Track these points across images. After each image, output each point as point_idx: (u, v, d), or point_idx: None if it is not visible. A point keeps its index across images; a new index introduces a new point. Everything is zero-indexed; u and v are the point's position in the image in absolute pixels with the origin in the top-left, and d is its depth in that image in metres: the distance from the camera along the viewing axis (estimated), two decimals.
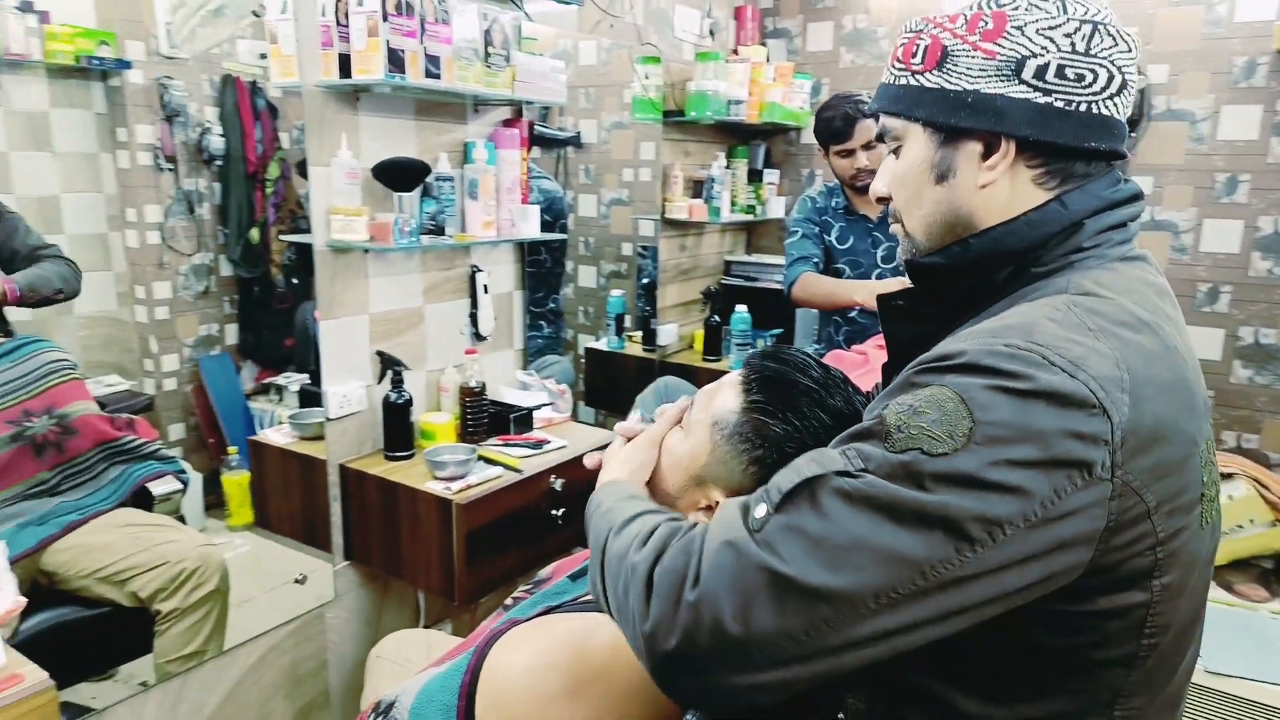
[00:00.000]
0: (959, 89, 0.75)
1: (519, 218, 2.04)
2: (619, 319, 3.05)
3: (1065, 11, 0.73)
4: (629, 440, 0.95)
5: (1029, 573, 0.62)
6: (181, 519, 1.88)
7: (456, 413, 2.02)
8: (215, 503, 2.04)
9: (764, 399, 0.85)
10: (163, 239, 1.95)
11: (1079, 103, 0.73)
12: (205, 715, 1.74)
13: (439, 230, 1.88)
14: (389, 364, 1.86)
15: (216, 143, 1.99)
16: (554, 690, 0.81)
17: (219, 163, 2.01)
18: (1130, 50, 0.74)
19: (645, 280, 3.00)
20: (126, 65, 1.80)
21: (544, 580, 1.36)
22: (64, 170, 1.77)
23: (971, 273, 0.78)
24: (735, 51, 3.07)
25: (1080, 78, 0.72)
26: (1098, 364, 0.63)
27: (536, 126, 2.96)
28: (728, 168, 3.03)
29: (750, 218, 3.14)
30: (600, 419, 3.20)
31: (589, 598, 0.99)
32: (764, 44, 3.17)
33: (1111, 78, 0.73)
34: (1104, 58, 0.73)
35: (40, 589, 1.63)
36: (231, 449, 2.02)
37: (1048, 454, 0.60)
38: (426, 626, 2.13)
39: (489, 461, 1.89)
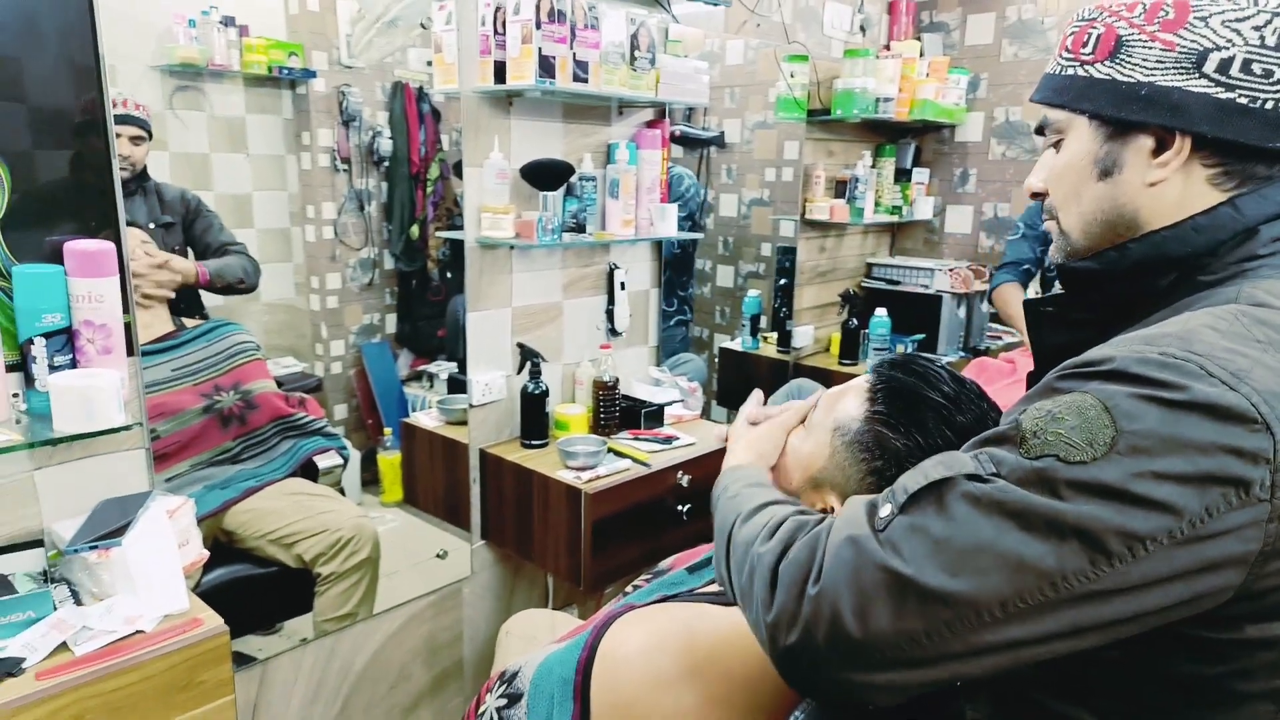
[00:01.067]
0: (1132, 80, 0.71)
1: (657, 217, 2.08)
2: (754, 319, 3.04)
3: (1256, 2, 0.68)
4: (754, 424, 0.95)
5: (1172, 593, 0.58)
6: (341, 491, 2.05)
7: (590, 405, 2.09)
8: (371, 479, 2.20)
9: (888, 410, 0.83)
10: (335, 234, 2.11)
11: (1265, 100, 0.67)
12: (353, 672, 1.90)
13: (580, 228, 1.94)
14: (528, 355, 1.95)
15: (385, 145, 2.13)
16: (664, 673, 0.84)
17: (386, 164, 2.15)
18: None
19: (783, 281, 2.97)
20: (312, 74, 1.96)
21: (664, 571, 1.39)
22: (256, 170, 1.94)
23: (1129, 279, 0.73)
24: (887, 47, 2.98)
25: (1269, 74, 0.67)
26: (1263, 377, 0.58)
27: (681, 126, 3.00)
28: (873, 167, 2.95)
29: (895, 219, 3.05)
30: (732, 418, 3.20)
31: (705, 589, 1.01)
32: (919, 38, 3.06)
33: None
34: None
35: (221, 546, 1.82)
36: (387, 430, 2.17)
37: (1199, 469, 0.56)
38: (566, 606, 2.22)
39: (618, 454, 1.94)
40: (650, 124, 2.13)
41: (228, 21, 1.79)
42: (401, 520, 2.15)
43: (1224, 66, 0.68)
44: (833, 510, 0.85)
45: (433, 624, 2.01)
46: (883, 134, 3.12)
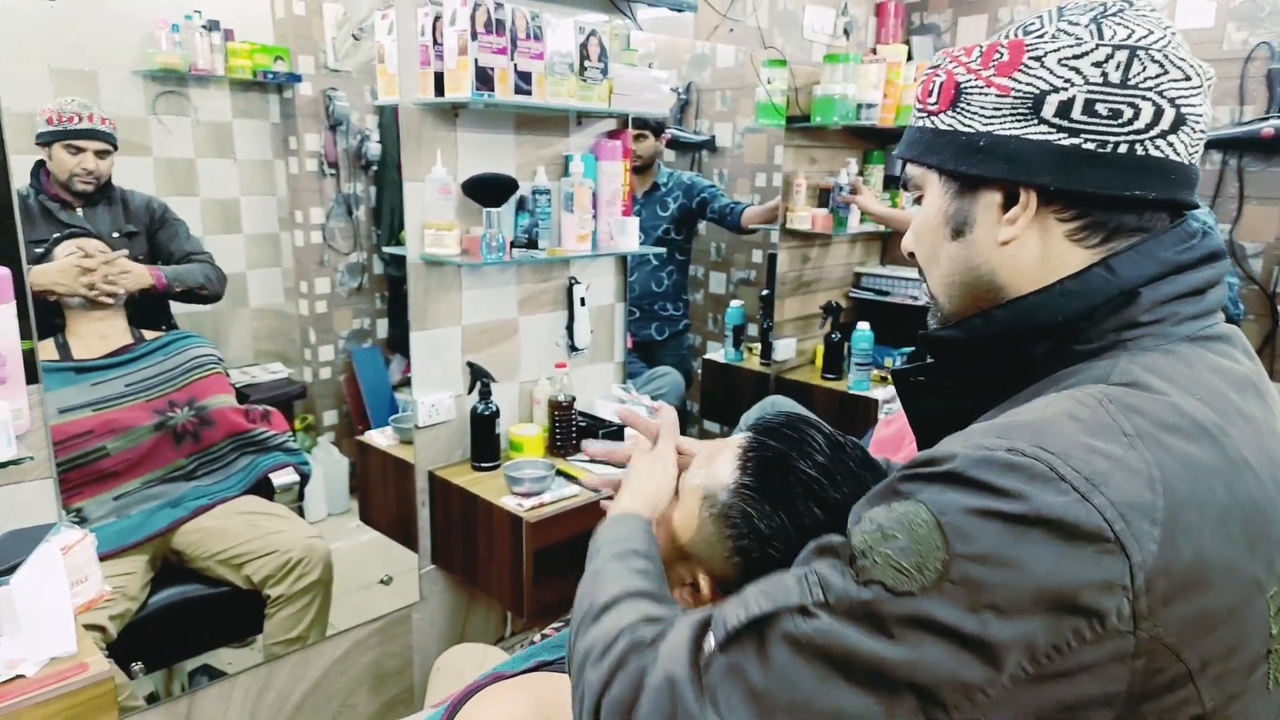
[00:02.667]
0: (972, 130, 0.64)
1: (618, 230, 2.01)
2: (738, 330, 2.96)
3: (1099, 36, 0.60)
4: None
5: None
6: (300, 510, 2.01)
7: (546, 425, 2.02)
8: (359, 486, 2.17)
9: (755, 483, 0.75)
10: (324, 239, 2.10)
11: (1116, 143, 0.60)
12: (291, 704, 1.85)
13: (533, 244, 1.88)
14: (478, 375, 1.89)
15: (374, 149, 2.11)
16: None
17: (375, 168, 2.13)
18: (1190, 78, 0.59)
19: (764, 292, 2.89)
20: (298, 79, 1.95)
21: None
22: (243, 175, 1.94)
23: (997, 348, 0.65)
24: (873, 51, 2.88)
25: (1116, 114, 0.59)
26: (1123, 483, 0.50)
27: (671, 130, 2.93)
28: (861, 174, 2.86)
29: (883, 228, 2.95)
30: (727, 432, 3.13)
31: None
32: (907, 42, 2.96)
33: (1160, 112, 0.59)
34: (1147, 89, 0.59)
35: (170, 566, 1.79)
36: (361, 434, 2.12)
37: (1043, 599, 0.49)
38: (510, 635, 2.16)
39: (569, 478, 1.87)
40: (611, 134, 2.06)
41: (212, 26, 1.79)
42: (376, 534, 2.12)
43: (1064, 109, 0.61)
44: (698, 587, 0.77)
45: (379, 650, 1.96)
46: (871, 140, 3.02)
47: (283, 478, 1.99)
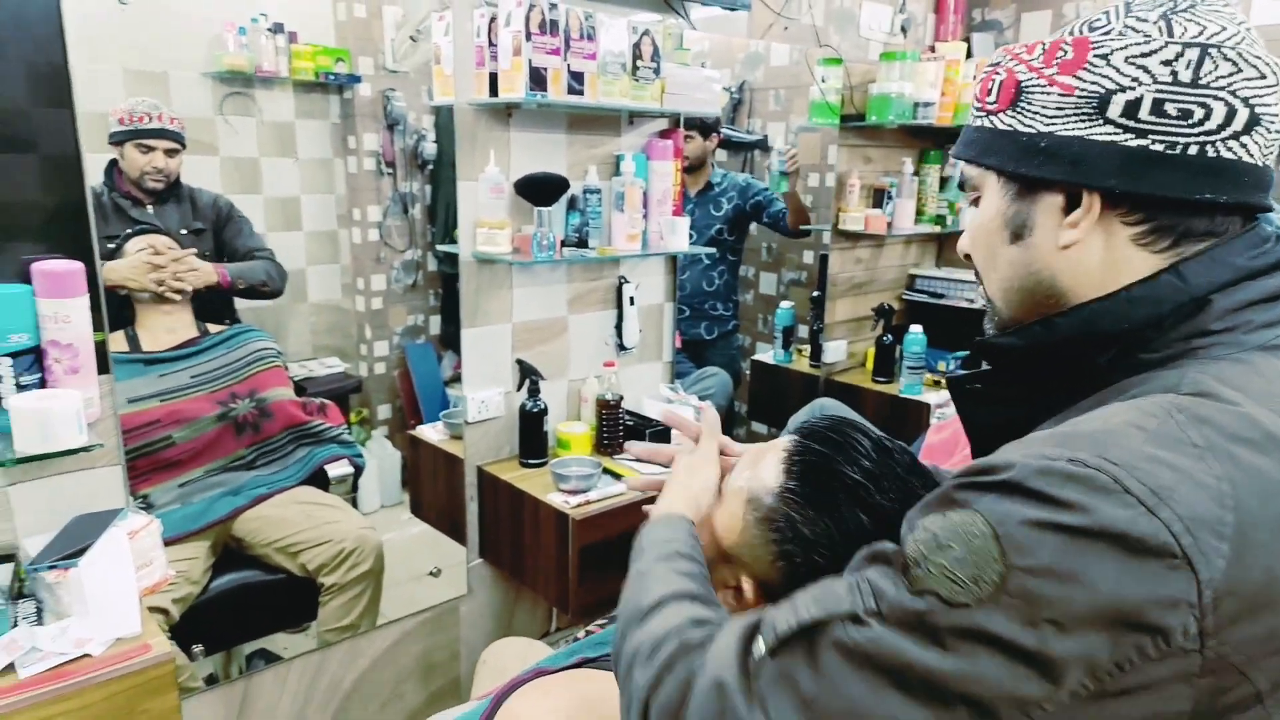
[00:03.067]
0: (1033, 131, 0.62)
1: (668, 230, 2.00)
2: (787, 331, 2.93)
3: (1169, 33, 0.57)
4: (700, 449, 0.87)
5: None
6: (354, 501, 2.05)
7: (593, 424, 2.03)
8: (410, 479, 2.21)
9: (800, 488, 0.74)
10: (380, 236, 2.14)
11: (1186, 145, 0.57)
12: (342, 690, 1.89)
13: (583, 243, 1.89)
14: (526, 373, 1.91)
15: (430, 149, 2.14)
16: None
17: (430, 167, 2.16)
18: (1264, 77, 0.57)
19: (815, 293, 2.86)
20: (357, 80, 1.99)
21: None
22: (304, 174, 1.98)
23: (1059, 357, 0.63)
24: (931, 48, 2.83)
25: (1185, 114, 0.57)
26: (1190, 497, 0.48)
27: (724, 129, 2.92)
28: (916, 174, 2.81)
29: (939, 229, 2.89)
30: (775, 434, 3.10)
31: None
32: (967, 39, 2.89)
33: (1233, 113, 0.56)
34: (1219, 88, 0.56)
35: (231, 552, 1.84)
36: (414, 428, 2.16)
37: (1105, 615, 0.47)
38: (555, 631, 2.17)
39: (616, 476, 1.87)
40: (663, 134, 2.06)
41: (277, 28, 1.83)
42: (426, 526, 2.15)
43: (1131, 109, 0.58)
44: (741, 590, 0.76)
45: (427, 642, 1.99)
46: (928, 139, 2.96)
47: (338, 469, 2.03)
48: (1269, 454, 0.51)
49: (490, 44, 1.68)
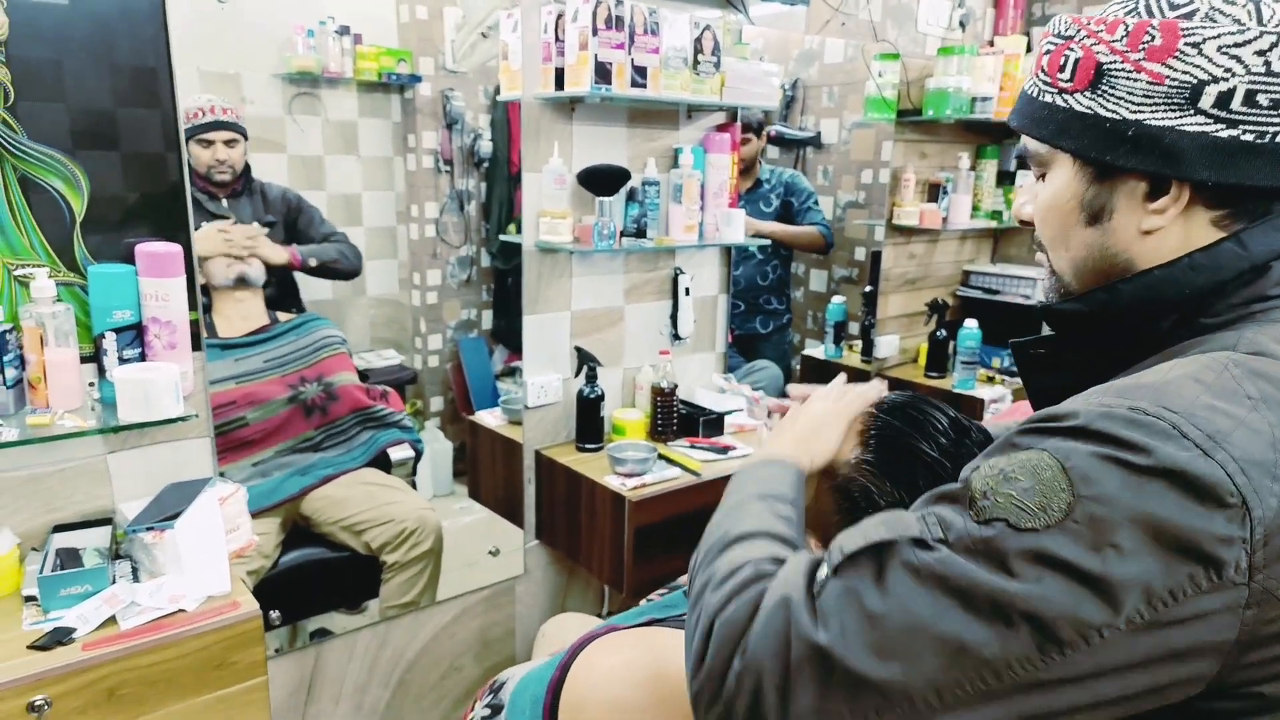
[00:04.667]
0: (1117, 117, 0.61)
1: (724, 222, 2.04)
2: (839, 326, 2.94)
3: (1259, 20, 0.57)
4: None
5: (1132, 683, 0.52)
6: (414, 484, 2.13)
7: (648, 411, 2.08)
8: (463, 470, 2.28)
9: (878, 460, 0.77)
10: (437, 232, 2.20)
11: (1275, 134, 0.58)
12: (405, 660, 1.97)
13: (641, 233, 1.93)
14: (584, 360, 1.96)
15: (485, 147, 2.19)
16: (627, 701, 0.82)
17: (486, 165, 2.22)
18: None
19: (868, 288, 2.87)
20: (418, 80, 2.05)
21: (678, 587, 1.37)
22: (366, 171, 2.05)
23: (1122, 322, 0.65)
24: (991, 43, 2.81)
25: (1277, 104, 0.57)
26: (1245, 441, 0.51)
27: (776, 126, 2.94)
28: (972, 169, 2.79)
29: (995, 224, 2.87)
30: None
31: None
32: (1027, 34, 2.87)
33: None
34: None
35: (299, 529, 1.93)
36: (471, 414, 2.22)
37: (1164, 545, 0.50)
38: (610, 612, 2.23)
39: (670, 461, 1.92)
40: (720, 128, 2.10)
41: (343, 31, 1.89)
42: (485, 513, 2.22)
43: (1223, 100, 0.58)
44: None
45: (485, 619, 2.06)
46: (985, 134, 2.94)
47: (399, 453, 2.10)
48: None
49: (557, 39, 1.73)
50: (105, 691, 1.14)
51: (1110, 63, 0.62)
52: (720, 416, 2.10)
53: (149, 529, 1.29)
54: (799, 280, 3.25)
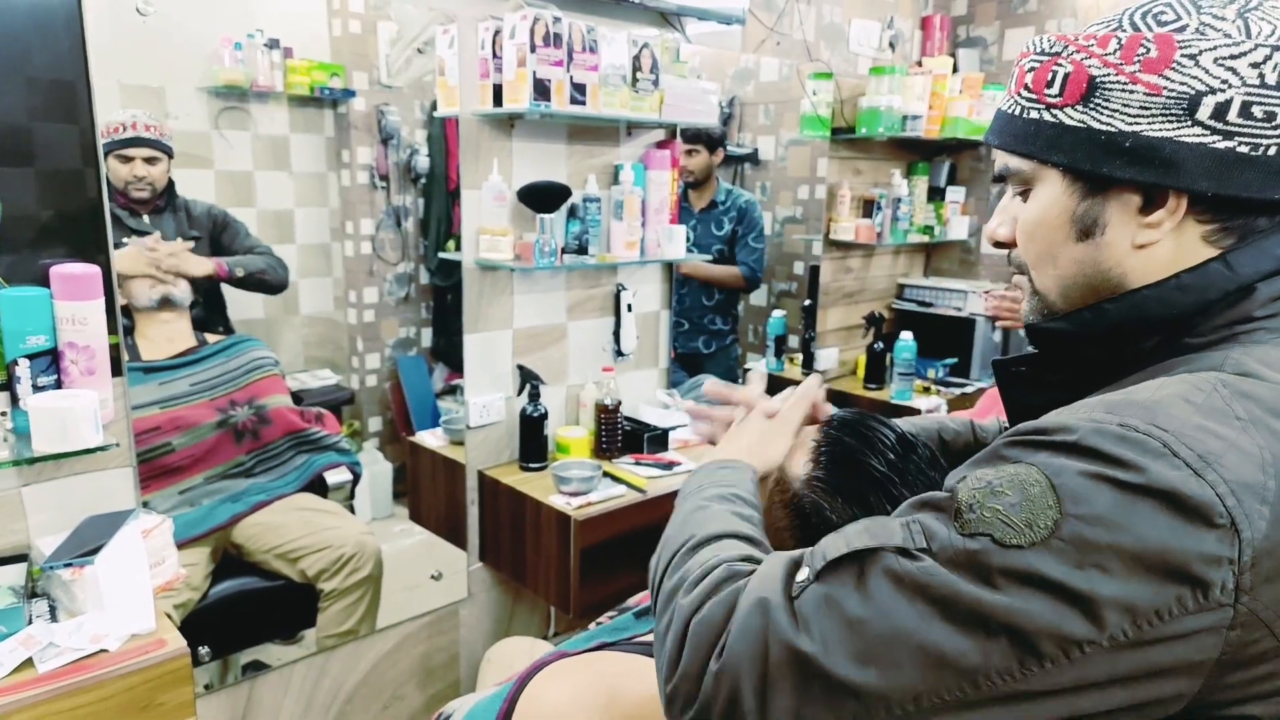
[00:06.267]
0: (1113, 130, 0.61)
1: (665, 238, 2.05)
2: (779, 340, 2.98)
3: (1249, 34, 0.58)
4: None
5: (1111, 698, 0.52)
6: (352, 508, 2.07)
7: (592, 428, 2.07)
8: (404, 492, 2.23)
9: (828, 477, 0.78)
10: (373, 249, 2.16)
11: (1267, 145, 0.58)
12: (344, 691, 1.90)
13: (583, 250, 1.93)
14: (527, 378, 1.94)
15: (423, 162, 2.16)
16: None
17: (423, 181, 2.19)
18: None
19: (807, 302, 2.91)
20: (352, 94, 2.01)
21: (628, 608, 1.36)
22: (298, 187, 2.00)
23: (1106, 342, 0.65)
24: (919, 63, 2.90)
25: (1270, 116, 0.58)
26: (1236, 463, 0.51)
27: (729, 146, 2.97)
28: (905, 180, 2.87)
29: (927, 239, 2.96)
30: None
31: (645, 637, 0.97)
32: (953, 55, 2.97)
33: None
34: None
35: (230, 559, 1.85)
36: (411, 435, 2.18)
37: (1151, 566, 0.50)
38: (556, 634, 2.20)
39: (615, 479, 1.91)
40: (660, 144, 2.11)
41: (272, 44, 1.85)
42: (426, 535, 2.17)
43: (1220, 111, 0.58)
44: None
45: (428, 644, 2.01)
46: (916, 152, 3.03)
47: (336, 477, 2.05)
48: None
49: (495, 55, 1.72)
50: None
51: (1104, 76, 0.62)
52: (665, 432, 2.10)
53: (67, 565, 1.22)
54: (738, 295, 3.29)
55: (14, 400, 1.26)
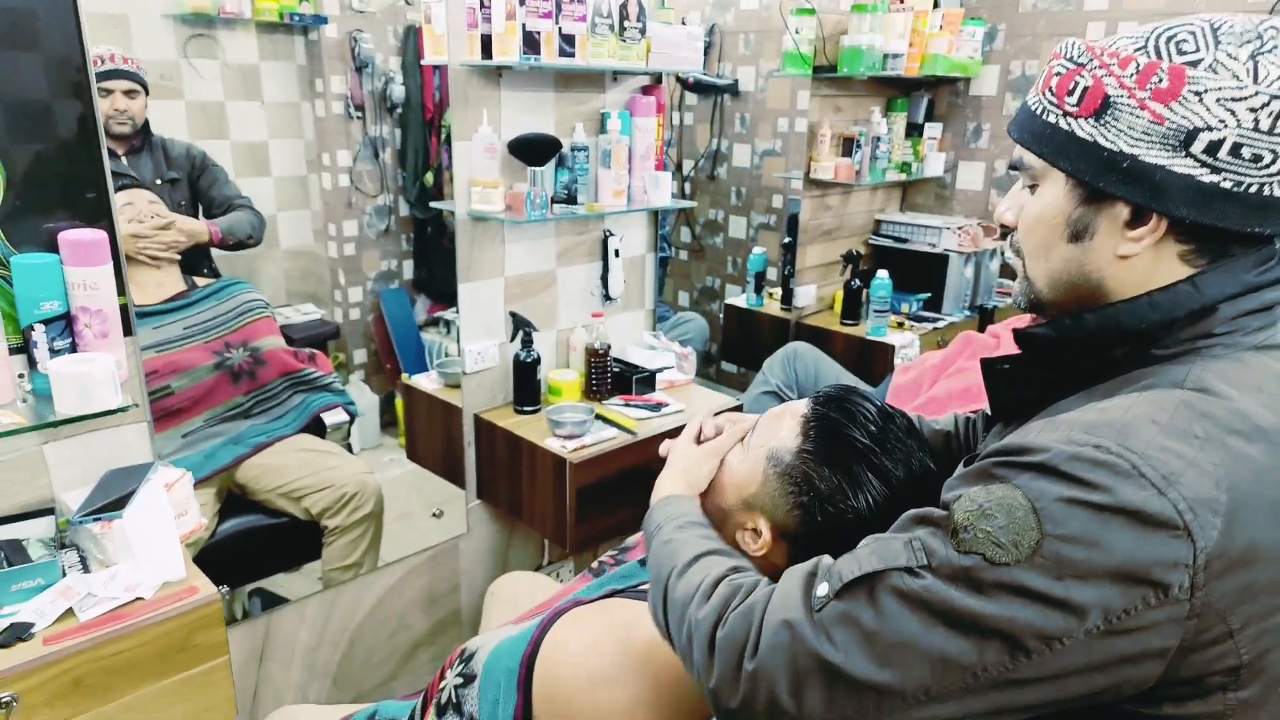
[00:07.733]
0: (1115, 149, 0.67)
1: (651, 185, 2.08)
2: (759, 276, 3.05)
3: (1255, 80, 0.63)
4: (697, 443, 0.99)
5: (1092, 681, 0.63)
6: (349, 447, 2.14)
7: (583, 371, 2.14)
8: (390, 422, 2.31)
9: (817, 449, 0.86)
10: (351, 181, 2.15)
11: (1249, 183, 0.65)
12: (355, 621, 2.02)
13: (572, 199, 1.96)
14: (520, 325, 2.00)
15: (398, 91, 2.14)
16: (600, 672, 0.91)
17: (400, 110, 2.16)
18: None
19: (787, 239, 2.97)
20: (323, 20, 1.97)
21: (629, 549, 1.46)
22: (271, 118, 1.97)
23: (1082, 348, 0.74)
24: (900, 0, 2.89)
25: (1257, 158, 0.64)
26: (1194, 481, 0.60)
27: (695, 74, 2.95)
28: (884, 118, 2.90)
29: (904, 176, 3.00)
30: (741, 373, 3.24)
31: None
32: None
33: None
34: None
35: (235, 498, 1.93)
36: (405, 375, 2.24)
37: (1119, 573, 0.59)
38: (550, 563, 2.32)
39: (607, 421, 2.00)
40: (645, 90, 2.12)
41: None
42: (413, 466, 2.25)
43: (1213, 148, 0.64)
44: (759, 533, 0.90)
45: (430, 576, 2.13)
46: (895, 88, 3.05)
47: (333, 417, 2.11)
48: (1256, 443, 0.63)
49: (483, 5, 1.71)
50: (71, 683, 1.16)
51: (1118, 96, 0.67)
52: (652, 374, 2.18)
53: (97, 519, 1.29)
54: (718, 227, 3.33)
55: (31, 363, 1.30)
